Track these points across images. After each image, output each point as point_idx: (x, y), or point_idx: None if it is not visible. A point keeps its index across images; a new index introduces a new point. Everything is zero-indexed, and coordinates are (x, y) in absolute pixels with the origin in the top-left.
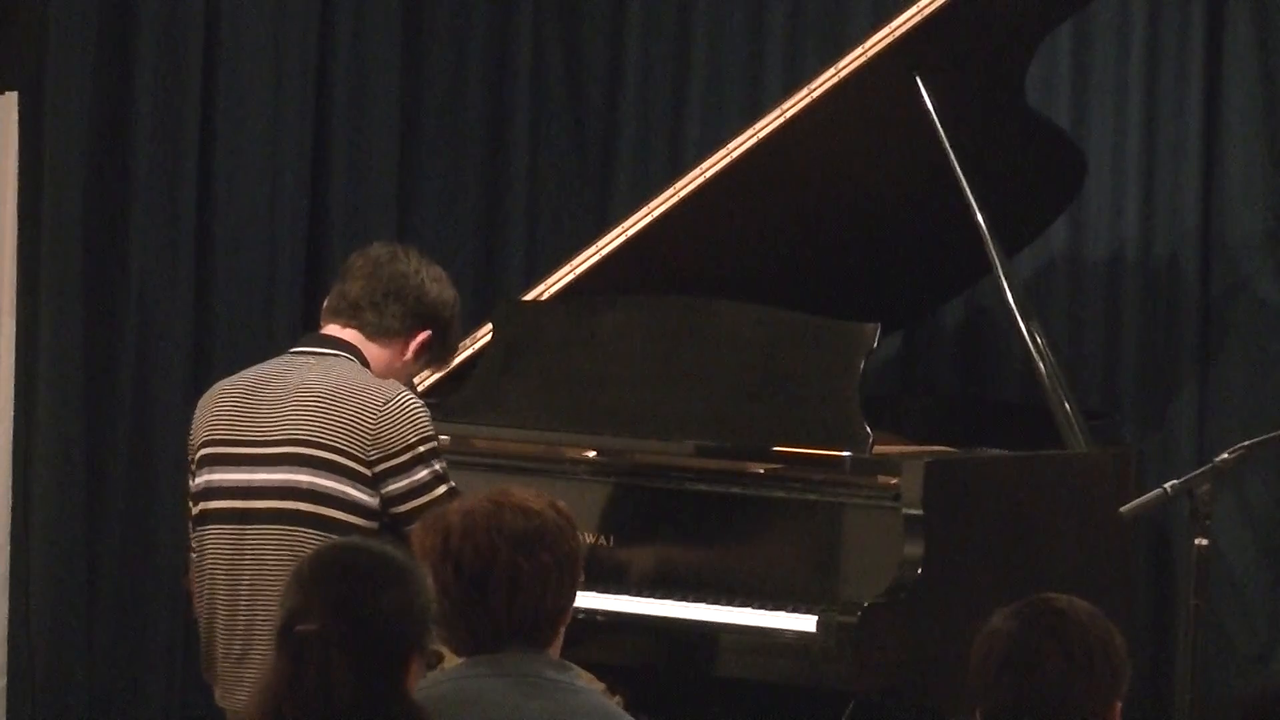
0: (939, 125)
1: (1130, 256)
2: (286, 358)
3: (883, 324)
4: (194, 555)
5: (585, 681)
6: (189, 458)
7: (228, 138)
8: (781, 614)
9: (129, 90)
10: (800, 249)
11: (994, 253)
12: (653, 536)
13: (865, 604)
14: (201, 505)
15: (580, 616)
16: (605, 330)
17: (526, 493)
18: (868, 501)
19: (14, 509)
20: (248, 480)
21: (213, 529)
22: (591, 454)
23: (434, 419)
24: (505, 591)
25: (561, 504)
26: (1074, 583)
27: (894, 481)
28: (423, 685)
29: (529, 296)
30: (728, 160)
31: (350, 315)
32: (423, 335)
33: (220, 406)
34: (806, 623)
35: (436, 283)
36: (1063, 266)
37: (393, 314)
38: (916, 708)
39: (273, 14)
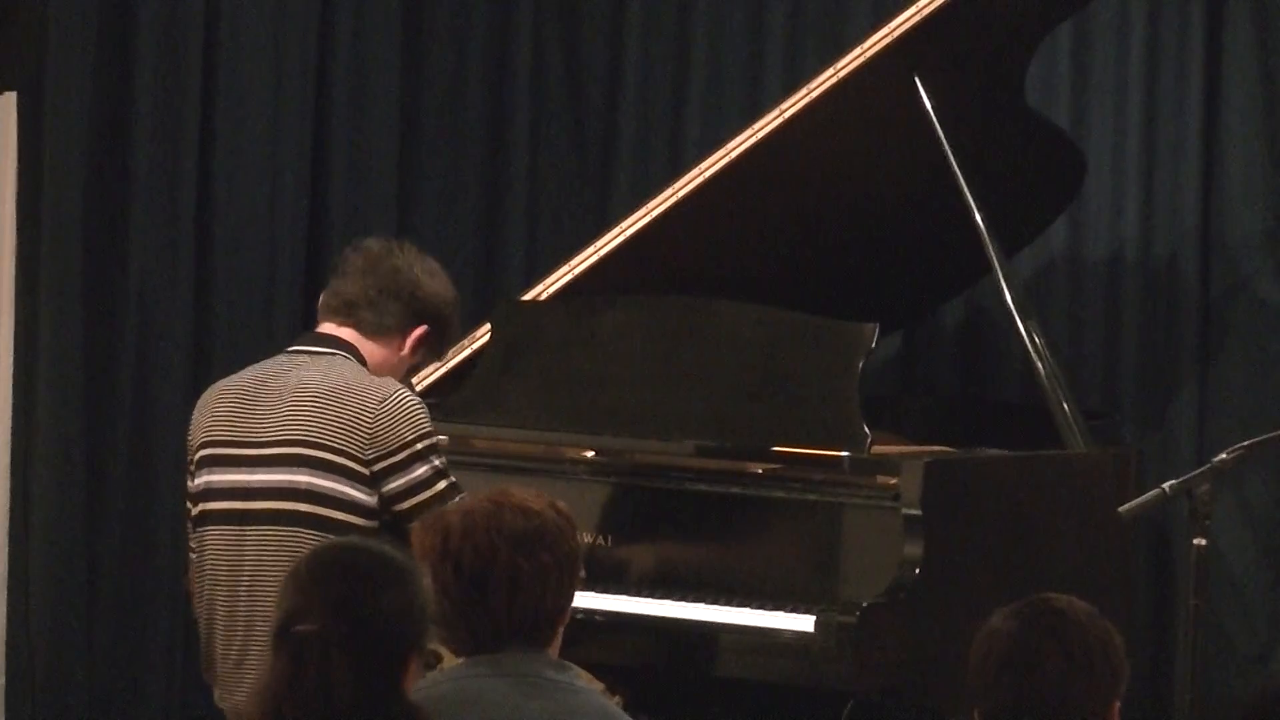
0: (938, 125)
1: (1130, 256)
2: (284, 357)
3: (882, 324)
4: (193, 556)
5: (585, 681)
6: (188, 458)
7: (228, 138)
8: (781, 614)
9: (129, 90)
10: (799, 249)
11: (993, 253)
12: (652, 536)
13: (864, 604)
14: (201, 506)
15: (580, 616)
16: (605, 330)
17: (526, 493)
18: (867, 501)
19: (14, 509)
20: (247, 481)
21: (212, 530)
22: (591, 454)
23: (434, 419)
24: (505, 592)
25: (561, 504)
26: (1074, 583)
27: (893, 481)
28: (422, 685)
29: (529, 296)
30: (727, 160)
31: (347, 313)
32: (419, 330)
33: (219, 407)
34: (805, 623)
35: (433, 277)
36: (1062, 266)
37: (390, 312)
38: (916, 708)
39: (273, 14)
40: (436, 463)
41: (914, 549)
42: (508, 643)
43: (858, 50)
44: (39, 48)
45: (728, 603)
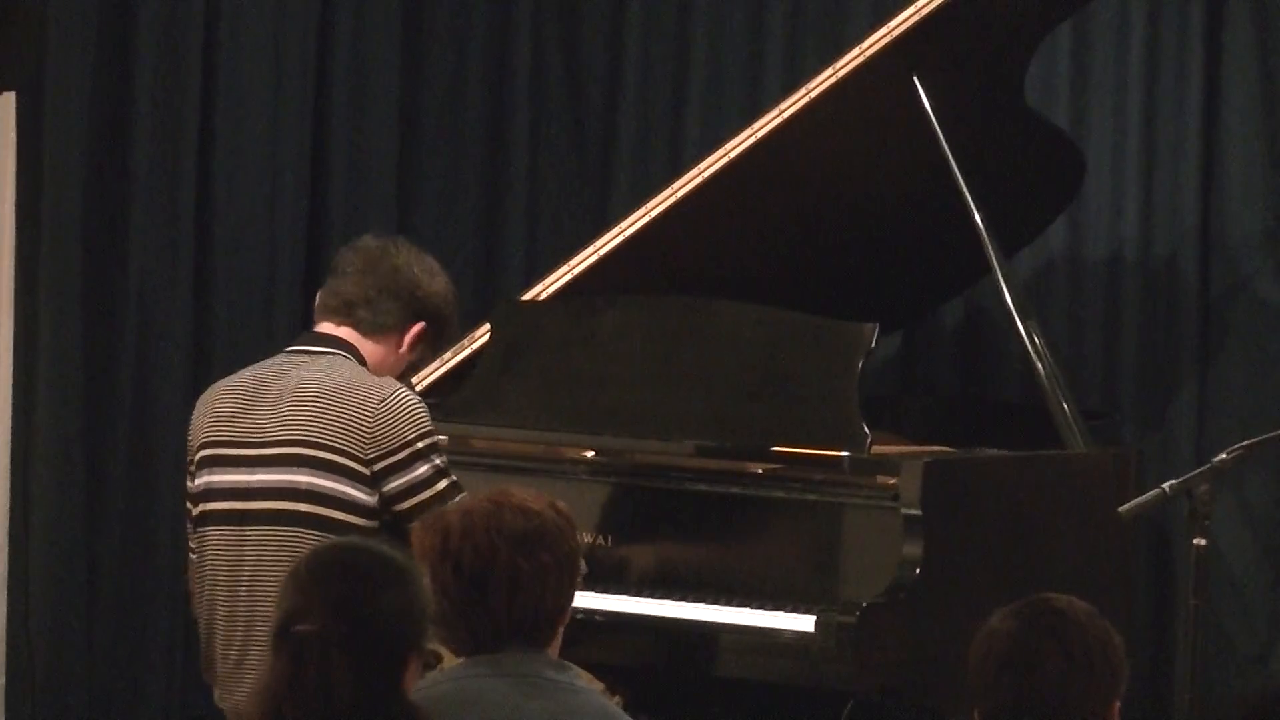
0: (938, 125)
1: (1130, 256)
2: (284, 357)
3: (882, 324)
4: (194, 556)
5: (585, 681)
6: (188, 459)
7: (228, 138)
8: (781, 614)
9: (129, 90)
10: (799, 249)
11: (993, 253)
12: (652, 536)
13: (864, 604)
14: (201, 506)
15: (580, 616)
16: (605, 330)
17: (526, 493)
18: (867, 501)
19: (13, 509)
20: (247, 481)
21: (213, 530)
22: (591, 454)
23: (434, 419)
24: (504, 591)
25: (561, 504)
26: (1073, 583)
27: (893, 481)
28: (422, 685)
29: (528, 296)
30: (727, 160)
31: (345, 313)
32: (418, 328)
33: (219, 407)
34: (805, 623)
35: (430, 274)
36: (1062, 266)
37: (388, 310)
38: (916, 708)
39: (273, 14)
40: (437, 462)
41: (914, 549)
42: (507, 643)
43: (857, 50)
44: (39, 48)
45: (728, 603)
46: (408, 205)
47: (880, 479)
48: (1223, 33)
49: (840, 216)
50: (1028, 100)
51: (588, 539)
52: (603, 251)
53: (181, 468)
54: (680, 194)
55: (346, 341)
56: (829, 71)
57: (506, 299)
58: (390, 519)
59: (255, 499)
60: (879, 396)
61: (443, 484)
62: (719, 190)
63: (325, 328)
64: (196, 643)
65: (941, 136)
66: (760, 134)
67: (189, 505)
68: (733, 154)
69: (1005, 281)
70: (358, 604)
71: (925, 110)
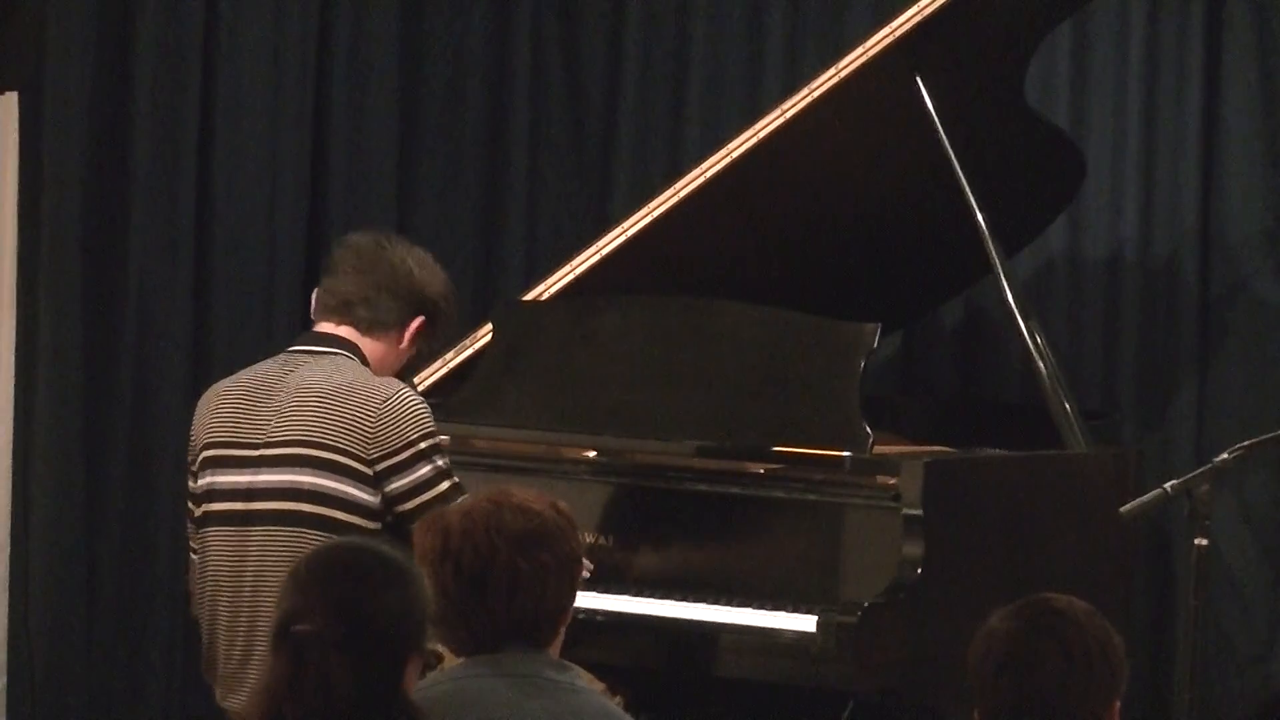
0: (939, 125)
1: (1129, 256)
2: (284, 357)
3: (883, 324)
4: (195, 557)
5: (585, 681)
6: (189, 459)
7: (227, 138)
8: (781, 614)
9: (129, 90)
10: (800, 249)
11: (993, 253)
12: (653, 536)
13: (865, 604)
14: (204, 507)
15: (581, 616)
16: (605, 330)
17: (526, 493)
18: (867, 501)
19: (13, 509)
20: (250, 482)
21: (215, 530)
22: (591, 454)
23: (436, 419)
24: (505, 592)
25: (561, 504)
26: (1073, 583)
27: (893, 481)
28: (422, 685)
29: (529, 296)
30: (727, 160)
31: (344, 312)
32: (417, 322)
33: (221, 408)
34: (806, 623)
35: (425, 269)
36: (1062, 266)
37: (386, 308)
38: (916, 708)
39: (272, 14)
40: (440, 463)
41: (914, 549)
42: (507, 643)
43: (858, 50)
44: (39, 48)
45: (729, 603)
46: (408, 205)
47: (881, 479)
48: (1223, 33)
49: (841, 216)
50: (1028, 100)
51: (589, 539)
52: (604, 251)
53: (181, 468)
54: (681, 195)
55: (348, 340)
56: (830, 72)
57: (507, 299)
58: (393, 520)
59: (258, 499)
60: (879, 396)
61: (445, 485)
62: (719, 191)
63: (325, 327)
64: (196, 643)
65: (943, 136)
66: (761, 134)
67: (191, 506)
68: (733, 154)
69: (1006, 281)
70: (358, 604)
71: (928, 110)
